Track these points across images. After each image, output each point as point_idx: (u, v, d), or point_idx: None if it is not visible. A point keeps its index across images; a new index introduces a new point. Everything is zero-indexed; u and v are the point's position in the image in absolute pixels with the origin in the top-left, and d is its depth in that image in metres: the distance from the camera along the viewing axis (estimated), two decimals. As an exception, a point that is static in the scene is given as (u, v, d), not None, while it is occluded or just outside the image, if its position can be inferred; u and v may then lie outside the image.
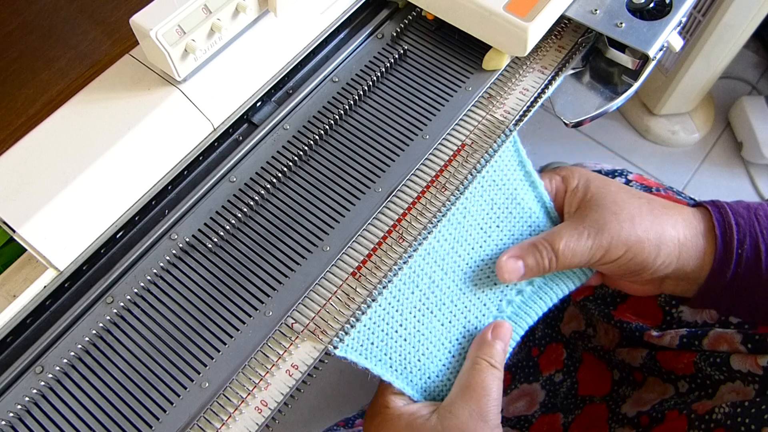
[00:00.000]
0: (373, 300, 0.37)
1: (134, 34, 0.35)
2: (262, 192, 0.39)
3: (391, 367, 0.38)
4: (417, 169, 0.40)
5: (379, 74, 0.43)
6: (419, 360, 0.39)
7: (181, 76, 0.36)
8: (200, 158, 0.40)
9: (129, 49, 0.38)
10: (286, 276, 0.37)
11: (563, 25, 0.46)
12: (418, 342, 0.39)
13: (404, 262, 0.38)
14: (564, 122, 0.44)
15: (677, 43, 0.45)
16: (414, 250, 0.38)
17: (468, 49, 0.45)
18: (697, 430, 0.43)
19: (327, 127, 0.42)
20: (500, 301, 0.42)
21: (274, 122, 0.42)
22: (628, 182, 0.58)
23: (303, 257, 0.37)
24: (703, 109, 1.15)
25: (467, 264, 0.41)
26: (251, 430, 0.33)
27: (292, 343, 0.35)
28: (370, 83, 0.43)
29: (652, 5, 0.44)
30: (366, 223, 0.38)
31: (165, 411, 0.33)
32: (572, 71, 0.45)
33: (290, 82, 0.44)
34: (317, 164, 0.41)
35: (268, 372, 0.35)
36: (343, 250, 0.38)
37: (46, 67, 0.43)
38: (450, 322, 0.41)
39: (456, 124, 0.42)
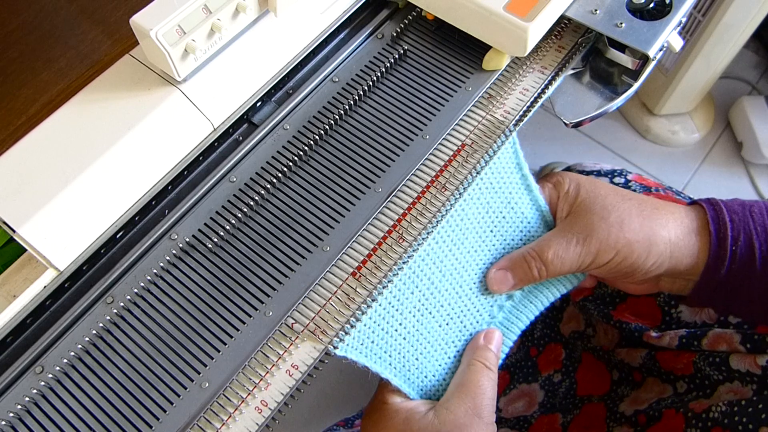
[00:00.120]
0: (373, 300, 0.37)
1: (134, 34, 0.35)
2: (262, 192, 0.39)
3: (390, 365, 0.38)
4: (417, 169, 0.40)
5: (379, 74, 0.43)
6: (417, 359, 0.39)
7: (181, 76, 0.36)
8: (200, 158, 0.40)
9: (129, 49, 0.38)
10: (286, 276, 0.37)
11: (563, 25, 0.46)
12: (417, 341, 0.39)
13: (404, 263, 0.38)
14: (564, 122, 0.44)
15: (677, 43, 0.45)
16: (414, 251, 0.39)
17: (468, 49, 0.45)
18: (694, 429, 0.43)
19: (327, 127, 0.42)
20: (491, 306, 0.43)
21: (274, 122, 0.42)
22: (627, 182, 0.58)
23: (303, 257, 0.37)
24: (703, 109, 1.15)
25: (463, 267, 0.42)
26: (251, 430, 0.33)
27: (292, 343, 0.35)
28: (370, 83, 0.43)
29: (652, 5, 0.44)
30: (366, 223, 0.38)
31: (165, 411, 0.33)
32: (572, 71, 0.45)
33: (290, 82, 0.44)
34: (317, 164, 0.41)
35: (268, 372, 0.35)
36: (343, 250, 0.38)
37: (46, 67, 0.43)
38: (447, 324, 0.41)
39: (456, 124, 0.42)
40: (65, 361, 0.35)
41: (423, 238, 0.39)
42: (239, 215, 0.39)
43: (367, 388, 0.93)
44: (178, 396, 0.34)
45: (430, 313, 0.40)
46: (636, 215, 0.41)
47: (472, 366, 0.39)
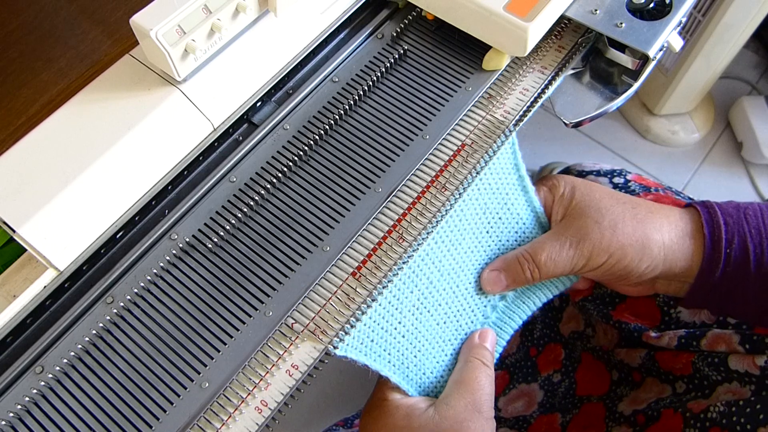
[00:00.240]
0: (373, 300, 0.37)
1: (134, 34, 0.35)
2: (262, 192, 0.39)
3: (389, 362, 0.38)
4: (417, 169, 0.40)
5: (379, 74, 0.43)
6: (416, 356, 0.39)
7: (181, 76, 0.36)
8: (200, 158, 0.40)
9: (129, 49, 0.38)
10: (286, 276, 0.37)
11: (563, 25, 0.46)
12: (416, 339, 0.40)
13: (404, 263, 0.38)
14: (564, 122, 0.44)
15: (677, 43, 0.45)
16: (414, 251, 0.39)
17: (468, 49, 0.45)
18: (692, 429, 0.43)
19: (327, 127, 0.42)
20: (485, 306, 0.43)
21: (274, 122, 0.42)
22: (626, 182, 0.58)
23: (303, 257, 0.37)
24: (703, 109, 1.15)
25: (460, 267, 0.42)
26: (251, 430, 0.33)
27: (292, 343, 0.35)
28: (370, 83, 0.43)
29: (652, 5, 0.44)
30: (366, 223, 0.38)
31: (165, 411, 0.33)
32: (572, 71, 0.45)
33: (290, 82, 0.44)
34: (317, 164, 0.41)
35: (268, 372, 0.35)
36: (343, 250, 0.38)
37: (46, 67, 0.43)
38: (444, 322, 0.41)
39: (456, 124, 0.42)
40: (65, 361, 0.35)
41: (423, 238, 0.39)
42: (239, 215, 0.39)
43: (367, 387, 0.93)
44: (178, 396, 0.34)
45: (429, 311, 0.40)
46: (630, 219, 0.42)
47: (470, 363, 0.40)
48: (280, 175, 0.40)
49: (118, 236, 0.37)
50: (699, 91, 1.07)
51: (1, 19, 0.45)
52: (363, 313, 0.37)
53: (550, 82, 0.44)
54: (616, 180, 0.58)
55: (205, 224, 0.39)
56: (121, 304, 0.36)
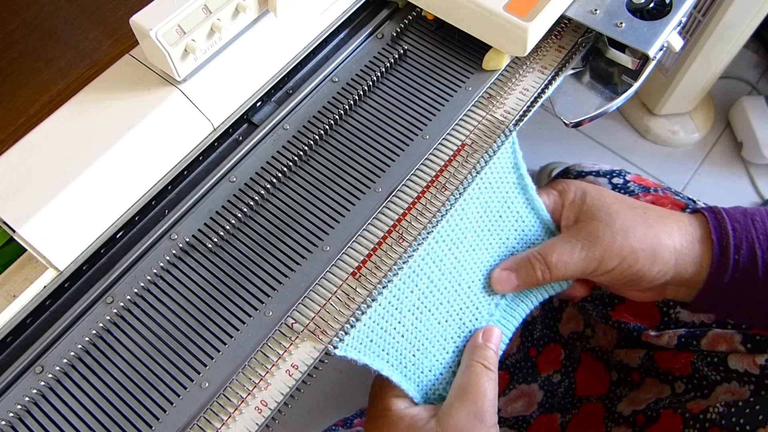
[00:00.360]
0: (373, 300, 0.37)
1: (134, 34, 0.35)
2: (262, 192, 0.39)
3: (388, 362, 0.38)
4: (417, 169, 0.40)
5: (379, 74, 0.43)
6: (414, 355, 0.39)
7: (181, 76, 0.36)
8: (200, 158, 0.40)
9: (129, 49, 0.38)
10: (286, 276, 0.37)
11: (563, 25, 0.46)
12: (415, 339, 0.40)
13: (404, 262, 0.38)
14: (564, 122, 0.44)
15: (677, 43, 0.45)
16: (414, 250, 0.39)
17: (468, 49, 0.45)
18: (691, 429, 0.43)
19: (327, 127, 0.42)
20: (489, 304, 0.43)
21: (274, 122, 0.42)
22: (626, 182, 0.58)
23: (303, 257, 0.37)
24: (703, 109, 1.15)
25: (462, 266, 0.42)
26: (251, 430, 0.33)
27: (292, 343, 0.35)
28: (370, 83, 0.43)
29: (652, 5, 0.44)
30: (366, 223, 0.38)
31: (165, 411, 0.33)
32: (572, 71, 0.45)
33: (290, 82, 0.44)
34: (317, 164, 0.41)
35: (268, 372, 0.35)
36: (343, 250, 0.38)
37: (46, 67, 0.43)
38: (446, 320, 0.41)
39: (456, 124, 0.42)
40: (65, 361, 0.35)
41: (423, 238, 0.39)
42: (239, 215, 0.39)
43: (367, 388, 0.93)
44: (178, 396, 0.34)
45: (429, 310, 0.40)
46: (641, 223, 0.42)
47: (472, 368, 0.39)
48: (280, 175, 0.40)
49: (118, 236, 0.37)
50: (699, 91, 1.07)
51: (1, 19, 0.45)
52: (363, 313, 0.37)
53: (550, 82, 0.44)
54: (615, 180, 0.58)
55: (205, 224, 0.39)
56: (121, 304, 0.36)
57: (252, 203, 0.39)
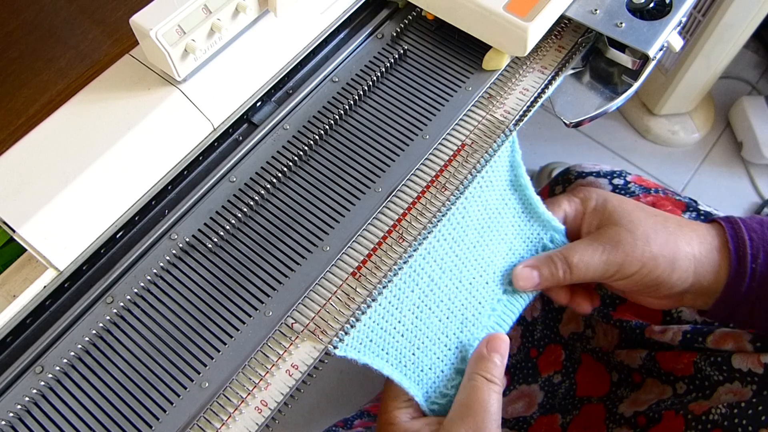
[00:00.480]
0: (373, 300, 0.37)
1: (134, 34, 0.35)
2: (262, 192, 0.39)
3: (387, 362, 0.38)
4: (417, 169, 0.40)
5: (379, 74, 0.43)
6: (414, 354, 0.39)
7: (181, 76, 0.36)
8: (200, 158, 0.40)
9: (129, 49, 0.38)
10: (286, 276, 0.37)
11: (563, 25, 0.46)
12: (415, 337, 0.40)
13: (404, 262, 0.38)
14: (564, 122, 0.44)
15: (677, 43, 0.45)
16: (414, 250, 0.39)
17: (468, 49, 0.45)
18: (693, 431, 0.43)
19: (327, 127, 0.42)
20: (492, 299, 0.43)
21: (274, 122, 0.42)
22: (626, 183, 0.58)
23: (303, 257, 0.37)
24: (703, 109, 1.15)
25: (463, 263, 0.42)
26: (251, 430, 0.33)
27: (292, 343, 0.35)
28: (370, 83, 0.43)
29: (652, 5, 0.44)
30: (366, 223, 0.38)
31: (165, 411, 0.33)
32: (572, 71, 0.45)
33: (290, 82, 0.44)
34: (317, 164, 0.41)
35: (268, 372, 0.35)
36: (343, 250, 0.38)
37: (46, 67, 0.43)
38: (447, 317, 0.41)
39: (456, 124, 0.42)
40: (65, 361, 0.35)
41: (423, 238, 0.39)
42: (239, 215, 0.39)
43: (367, 388, 0.93)
44: (178, 396, 0.34)
45: (429, 309, 0.40)
46: (661, 231, 0.42)
47: (474, 381, 0.38)
48: (280, 175, 0.40)
49: (118, 236, 0.37)
50: (699, 91, 1.07)
51: (1, 19, 0.45)
52: (363, 313, 0.37)
53: (550, 82, 0.44)
54: (616, 181, 0.58)
55: (205, 224, 0.39)
56: (121, 304, 0.36)
57: (252, 203, 0.39)
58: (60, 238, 0.34)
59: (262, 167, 0.41)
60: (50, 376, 0.34)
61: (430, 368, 0.40)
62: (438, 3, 0.43)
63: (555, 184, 0.63)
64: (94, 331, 0.35)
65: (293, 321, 0.36)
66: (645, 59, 0.43)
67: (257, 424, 0.33)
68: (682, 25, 0.44)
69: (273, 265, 0.37)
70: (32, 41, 0.45)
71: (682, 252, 0.42)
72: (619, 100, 0.45)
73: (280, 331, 0.36)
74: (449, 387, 0.40)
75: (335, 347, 0.35)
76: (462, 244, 0.42)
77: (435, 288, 0.40)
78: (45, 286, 0.35)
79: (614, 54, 0.44)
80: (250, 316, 0.36)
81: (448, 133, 0.42)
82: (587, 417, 0.55)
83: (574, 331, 0.59)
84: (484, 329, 0.42)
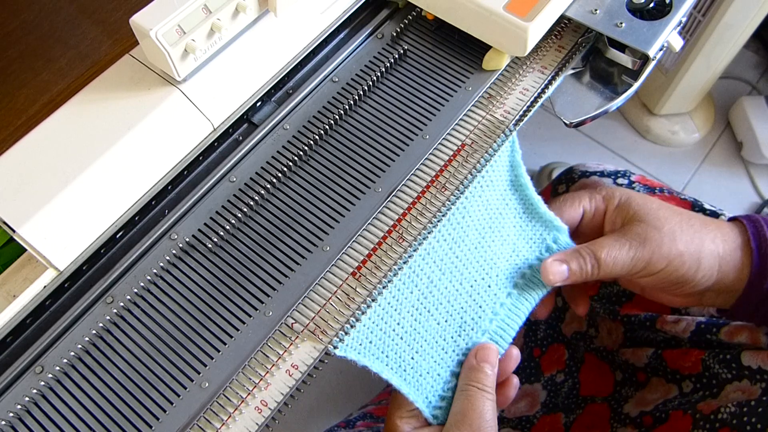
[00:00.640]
0: (373, 300, 0.37)
1: (134, 34, 0.35)
2: (262, 192, 0.39)
3: (387, 365, 0.38)
4: (417, 169, 0.40)
5: (379, 74, 0.43)
6: (413, 358, 0.39)
7: (181, 76, 0.36)
8: (200, 158, 0.40)
9: (129, 49, 0.38)
10: (286, 276, 0.37)
11: (563, 25, 0.46)
12: (414, 340, 0.39)
13: (404, 262, 0.38)
14: (564, 122, 0.44)
15: (677, 43, 0.45)
16: (414, 250, 0.39)
17: (468, 49, 0.45)
18: (701, 430, 0.43)
19: (327, 127, 0.42)
20: (494, 303, 0.43)
21: (274, 122, 0.42)
22: (630, 183, 0.58)
23: (303, 257, 0.37)
24: (703, 109, 1.15)
25: (463, 265, 0.42)
26: (251, 430, 0.33)
27: (292, 343, 0.35)
28: (370, 83, 0.43)
29: (652, 5, 0.44)
30: (366, 223, 0.38)
31: (165, 411, 0.33)
32: (572, 71, 0.45)
33: (290, 82, 0.44)
34: (317, 164, 0.41)
35: (268, 372, 0.35)
36: (343, 250, 0.38)
37: (46, 67, 0.43)
38: (446, 320, 0.41)
39: (456, 124, 0.42)
40: (65, 361, 0.34)
41: (423, 238, 0.39)
42: (239, 215, 0.39)
43: (367, 388, 0.93)
44: (178, 396, 0.34)
45: (428, 311, 0.40)
46: (687, 228, 0.42)
47: (466, 392, 0.39)
48: (280, 175, 0.40)
49: (118, 236, 0.37)
50: (699, 91, 1.07)
51: (1, 19, 0.46)
52: (363, 314, 0.37)
53: (550, 82, 0.44)
54: (620, 181, 0.58)
55: (205, 224, 0.39)
56: (121, 304, 0.36)
57: (252, 203, 0.39)
58: (60, 238, 0.34)
59: (262, 167, 0.41)
60: (50, 376, 0.34)
61: (428, 372, 0.40)
62: (438, 3, 0.43)
63: (558, 183, 0.63)
64: (94, 331, 0.35)
65: (293, 321, 0.36)
66: (645, 59, 0.43)
67: (257, 424, 0.33)
68: (682, 25, 0.44)
69: (273, 265, 0.37)
70: (32, 41, 0.45)
71: (707, 250, 0.42)
72: (619, 100, 0.45)
73: (280, 331, 0.36)
74: (446, 390, 0.40)
75: (335, 347, 0.35)
76: (462, 245, 0.41)
77: (434, 290, 0.40)
78: (45, 286, 0.35)
79: (614, 54, 0.44)
80: (250, 316, 0.36)
81: (448, 133, 0.42)
82: (591, 416, 0.55)
83: (577, 330, 0.59)
84: (485, 334, 0.42)
